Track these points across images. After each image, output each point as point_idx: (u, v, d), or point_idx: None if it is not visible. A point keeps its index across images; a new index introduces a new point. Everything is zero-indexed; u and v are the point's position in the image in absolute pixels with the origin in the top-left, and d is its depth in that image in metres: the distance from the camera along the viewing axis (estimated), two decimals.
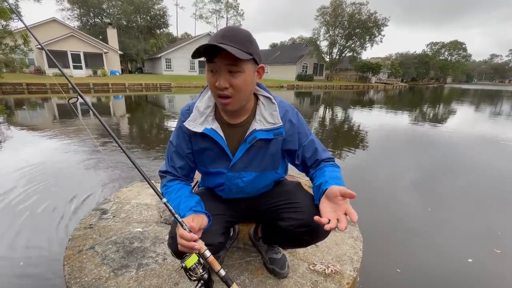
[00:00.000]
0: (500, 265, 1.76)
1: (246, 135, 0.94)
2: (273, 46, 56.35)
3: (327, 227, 0.75)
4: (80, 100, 1.04)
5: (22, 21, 1.04)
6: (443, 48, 60.90)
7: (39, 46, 15.82)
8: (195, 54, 0.78)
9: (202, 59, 0.81)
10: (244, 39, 0.79)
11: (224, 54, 0.76)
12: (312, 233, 0.99)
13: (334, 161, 1.04)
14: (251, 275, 1.24)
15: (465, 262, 1.77)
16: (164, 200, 0.86)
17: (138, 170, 0.91)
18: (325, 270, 1.28)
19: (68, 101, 0.96)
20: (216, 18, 49.05)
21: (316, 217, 0.78)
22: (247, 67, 0.81)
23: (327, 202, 0.83)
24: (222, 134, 0.94)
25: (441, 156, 4.40)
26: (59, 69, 1.01)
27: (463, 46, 59.36)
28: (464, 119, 9.35)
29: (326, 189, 0.84)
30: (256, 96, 0.98)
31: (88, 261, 1.29)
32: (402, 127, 7.06)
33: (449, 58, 61.31)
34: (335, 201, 0.81)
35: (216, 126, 0.94)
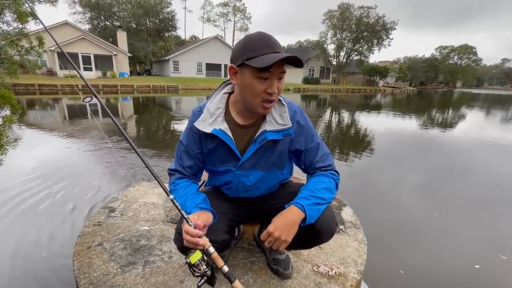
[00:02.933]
0: (506, 272, 1.73)
1: (256, 135, 0.96)
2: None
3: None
4: (91, 101, 1.08)
5: (42, 23, 1.09)
6: (452, 52, 60.06)
7: (52, 48, 16.27)
8: (265, 67, 0.79)
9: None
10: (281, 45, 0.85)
11: (280, 62, 0.81)
12: (316, 235, 1.00)
13: (331, 168, 1.03)
14: (255, 275, 1.25)
15: (472, 268, 1.74)
16: (171, 196, 0.88)
17: (147, 167, 0.94)
18: (328, 272, 1.28)
19: (83, 100, 1.01)
20: (224, 21, 49.56)
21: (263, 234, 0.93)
22: None
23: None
24: (230, 135, 0.96)
25: (449, 161, 4.34)
26: (78, 72, 1.06)
27: (473, 50, 58.44)
28: (474, 124, 9.19)
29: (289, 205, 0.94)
30: None
31: (97, 257, 1.33)
32: (410, 131, 6.98)
33: (458, 62, 60.40)
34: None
35: (225, 127, 0.96)
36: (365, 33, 32.79)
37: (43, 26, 1.27)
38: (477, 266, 1.76)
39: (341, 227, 1.70)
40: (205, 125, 0.96)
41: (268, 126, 0.96)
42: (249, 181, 1.03)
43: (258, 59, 0.80)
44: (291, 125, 0.96)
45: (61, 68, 19.19)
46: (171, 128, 6.62)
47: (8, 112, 1.76)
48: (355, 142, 5.60)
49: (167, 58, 28.12)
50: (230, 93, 1.01)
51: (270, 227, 0.91)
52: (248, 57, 0.81)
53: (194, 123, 0.97)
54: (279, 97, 0.99)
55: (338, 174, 1.04)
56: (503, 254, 1.87)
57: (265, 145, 0.96)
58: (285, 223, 0.90)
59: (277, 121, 0.96)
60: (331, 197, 0.97)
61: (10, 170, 2.90)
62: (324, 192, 0.95)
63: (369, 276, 1.45)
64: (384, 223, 2.29)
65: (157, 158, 3.76)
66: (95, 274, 1.21)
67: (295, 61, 0.82)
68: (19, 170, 2.99)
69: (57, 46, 1.17)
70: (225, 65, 29.38)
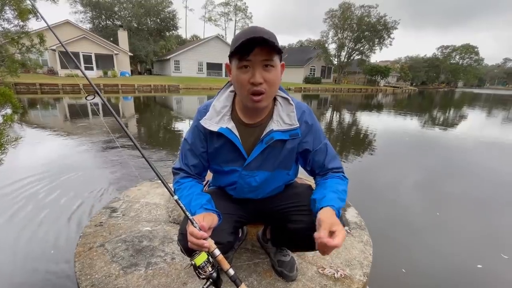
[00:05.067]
0: (508, 271, 1.72)
1: (263, 135, 0.94)
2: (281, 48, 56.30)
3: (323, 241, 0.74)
4: (94, 99, 1.07)
5: (45, 20, 1.08)
6: (454, 52, 59.85)
7: (53, 47, 16.27)
8: (235, 49, 0.78)
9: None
10: (272, 35, 0.80)
11: (259, 49, 0.78)
12: None
13: (342, 171, 1.02)
14: (259, 277, 1.23)
15: (475, 268, 1.74)
16: (176, 197, 0.86)
17: (151, 166, 0.93)
18: (334, 274, 1.26)
19: (86, 98, 0.99)
20: (225, 20, 49.61)
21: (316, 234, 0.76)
22: (277, 62, 0.83)
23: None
24: (237, 133, 0.94)
25: (452, 161, 4.31)
26: (81, 71, 1.05)
27: (475, 50, 58.20)
28: (475, 124, 9.14)
29: (321, 208, 0.84)
30: (273, 97, 0.98)
31: (98, 259, 1.31)
32: (412, 131, 6.95)
33: (460, 62, 60.19)
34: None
35: (231, 125, 0.94)
36: (366, 33, 32.66)
37: (45, 24, 1.25)
38: (479, 266, 1.74)
39: (346, 228, 1.67)
40: (211, 123, 0.94)
41: (275, 125, 0.93)
42: (255, 182, 1.01)
43: (234, 47, 0.79)
44: (298, 125, 0.94)
45: (62, 67, 19.20)
46: (173, 127, 6.60)
47: (9, 111, 1.74)
48: (357, 142, 5.57)
49: (168, 57, 28.09)
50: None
51: (340, 237, 0.74)
52: (231, 50, 0.81)
53: (200, 121, 0.95)
54: (287, 96, 0.97)
55: (347, 177, 1.03)
56: (505, 254, 1.86)
57: (271, 145, 0.94)
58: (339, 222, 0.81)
59: (284, 120, 0.94)
60: (346, 199, 0.95)
61: (11, 169, 2.88)
62: (344, 194, 0.93)
63: (371, 273, 1.43)
64: (385, 223, 2.27)
65: (159, 157, 3.74)
66: (97, 276, 1.19)
67: (270, 44, 0.77)
68: (19, 169, 2.98)
69: (58, 45, 1.16)
70: None
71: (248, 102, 0.86)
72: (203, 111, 0.98)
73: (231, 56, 0.83)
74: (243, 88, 0.84)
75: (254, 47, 0.77)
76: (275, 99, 0.97)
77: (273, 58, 0.81)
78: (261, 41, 0.76)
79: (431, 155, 4.72)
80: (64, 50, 1.18)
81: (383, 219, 2.33)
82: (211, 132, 0.94)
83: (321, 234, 0.74)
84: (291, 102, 0.96)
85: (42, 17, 1.15)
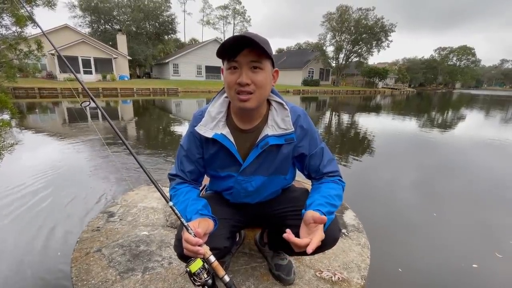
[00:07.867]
0: (503, 270, 1.73)
1: (258, 140, 0.94)
2: (279, 51, 56.66)
3: (297, 242, 0.75)
4: (89, 105, 1.07)
5: (40, 27, 1.08)
6: (451, 53, 60.23)
7: (52, 52, 16.31)
8: (221, 50, 0.80)
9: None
10: (264, 40, 0.82)
11: (247, 51, 0.79)
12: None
13: (338, 174, 1.02)
14: (256, 281, 1.23)
15: (470, 267, 1.75)
16: (171, 203, 0.86)
17: (146, 173, 0.93)
18: (331, 277, 1.26)
19: (81, 104, 0.99)
20: (223, 24, 49.81)
21: (285, 235, 0.76)
22: (267, 66, 0.84)
23: (304, 227, 0.82)
24: (232, 139, 0.95)
25: (448, 162, 4.32)
26: (75, 76, 1.05)
27: (472, 51, 58.60)
28: (473, 124, 9.17)
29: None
30: (268, 102, 0.98)
31: (95, 264, 1.31)
32: (410, 133, 6.97)
33: (457, 64, 60.56)
34: (310, 227, 0.80)
35: (226, 131, 0.95)
36: (364, 35, 32.87)
37: (43, 32, 1.26)
38: (474, 265, 1.75)
39: (344, 231, 1.67)
40: (206, 129, 0.94)
41: (270, 130, 0.94)
42: (251, 187, 1.01)
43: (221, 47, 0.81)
44: (293, 129, 0.94)
45: (61, 72, 19.23)
46: (171, 130, 6.60)
47: (6, 117, 1.74)
48: (355, 144, 5.58)
49: (166, 61, 28.17)
50: None
51: (315, 242, 0.76)
52: (218, 50, 0.83)
53: (195, 128, 0.96)
54: (281, 101, 0.97)
55: (343, 181, 1.03)
56: (499, 253, 1.87)
57: (267, 149, 0.94)
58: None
59: (279, 125, 0.94)
60: (340, 204, 0.95)
61: (7, 174, 2.87)
62: (336, 199, 0.93)
63: (369, 275, 1.43)
64: (383, 224, 2.27)
65: (156, 162, 3.74)
66: (93, 281, 1.19)
67: (257, 46, 0.77)
68: (14, 174, 2.97)
69: (57, 49, 1.16)
70: None
71: (236, 102, 0.87)
72: (198, 117, 0.99)
73: (222, 59, 0.85)
74: (231, 89, 0.85)
75: (242, 49, 0.79)
76: (270, 104, 0.98)
77: (261, 61, 0.82)
78: (248, 42, 0.77)
79: (429, 156, 4.73)
80: (63, 54, 1.19)
81: (381, 220, 2.33)
82: (207, 138, 0.95)
83: (296, 244, 0.75)
84: (286, 106, 0.96)
85: (37, 24, 1.16)
